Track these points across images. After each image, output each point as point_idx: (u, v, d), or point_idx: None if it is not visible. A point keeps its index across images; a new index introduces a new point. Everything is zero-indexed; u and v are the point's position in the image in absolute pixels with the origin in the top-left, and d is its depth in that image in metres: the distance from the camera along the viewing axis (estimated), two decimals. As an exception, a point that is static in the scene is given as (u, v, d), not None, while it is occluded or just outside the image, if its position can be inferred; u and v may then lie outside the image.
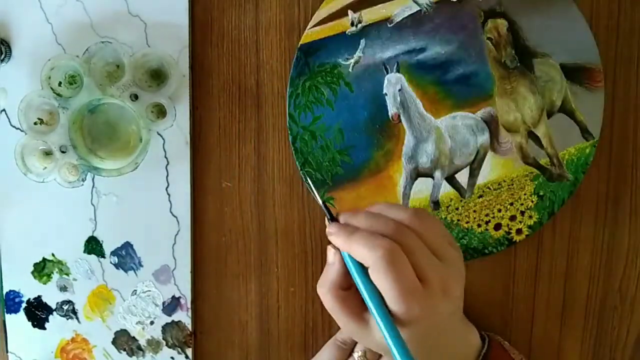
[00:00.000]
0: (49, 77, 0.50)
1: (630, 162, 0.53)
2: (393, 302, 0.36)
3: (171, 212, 0.53)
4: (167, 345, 0.55)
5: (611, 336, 0.55)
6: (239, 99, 0.53)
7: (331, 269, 0.39)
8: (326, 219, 0.40)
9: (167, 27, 0.51)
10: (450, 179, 0.51)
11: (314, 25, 0.50)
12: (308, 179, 0.50)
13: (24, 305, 0.55)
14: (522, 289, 0.55)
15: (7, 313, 0.55)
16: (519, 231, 0.52)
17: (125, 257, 0.54)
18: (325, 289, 0.38)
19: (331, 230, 0.39)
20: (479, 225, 0.51)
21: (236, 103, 0.53)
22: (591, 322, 0.55)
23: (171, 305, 0.54)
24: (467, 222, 0.51)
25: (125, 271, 0.54)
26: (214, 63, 0.52)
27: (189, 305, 0.54)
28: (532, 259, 0.54)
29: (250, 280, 0.55)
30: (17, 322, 0.55)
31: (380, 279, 0.35)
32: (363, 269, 0.37)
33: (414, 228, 0.38)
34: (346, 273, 0.38)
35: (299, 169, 0.51)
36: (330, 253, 0.39)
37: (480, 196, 0.51)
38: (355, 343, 0.49)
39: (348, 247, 0.37)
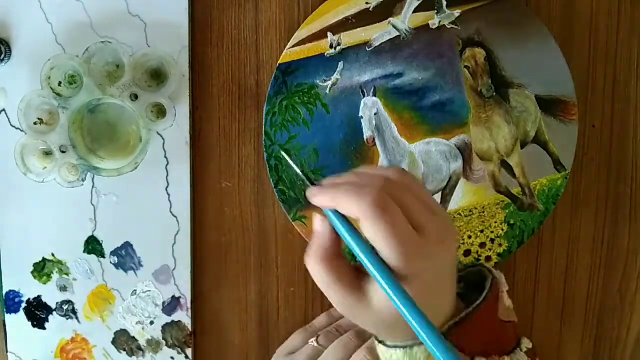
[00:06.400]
0: (49, 77, 0.50)
1: (630, 160, 0.53)
2: (390, 254, 0.32)
3: (171, 212, 0.53)
4: (167, 345, 0.55)
5: (611, 336, 0.55)
6: (239, 99, 0.53)
7: (321, 237, 0.35)
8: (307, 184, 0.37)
9: (167, 27, 0.51)
10: None
11: (294, 46, 0.50)
12: (287, 157, 0.49)
13: (24, 305, 0.55)
14: (522, 288, 0.55)
15: (7, 313, 0.55)
16: (488, 258, 0.52)
17: (125, 257, 0.54)
18: (317, 259, 0.34)
19: (314, 191, 0.35)
20: None
21: (236, 103, 0.53)
22: (591, 322, 0.55)
23: (171, 305, 0.54)
24: None
25: (125, 271, 0.54)
26: (214, 63, 0.52)
27: (189, 305, 0.54)
28: (532, 258, 0.54)
29: (250, 280, 0.55)
30: (17, 322, 0.55)
31: (373, 229, 0.32)
32: (354, 228, 0.33)
33: (402, 182, 0.35)
34: (337, 241, 0.34)
35: (273, 187, 0.52)
36: (318, 221, 0.35)
37: None
38: (320, 328, 0.49)
39: (334, 202, 0.34)
